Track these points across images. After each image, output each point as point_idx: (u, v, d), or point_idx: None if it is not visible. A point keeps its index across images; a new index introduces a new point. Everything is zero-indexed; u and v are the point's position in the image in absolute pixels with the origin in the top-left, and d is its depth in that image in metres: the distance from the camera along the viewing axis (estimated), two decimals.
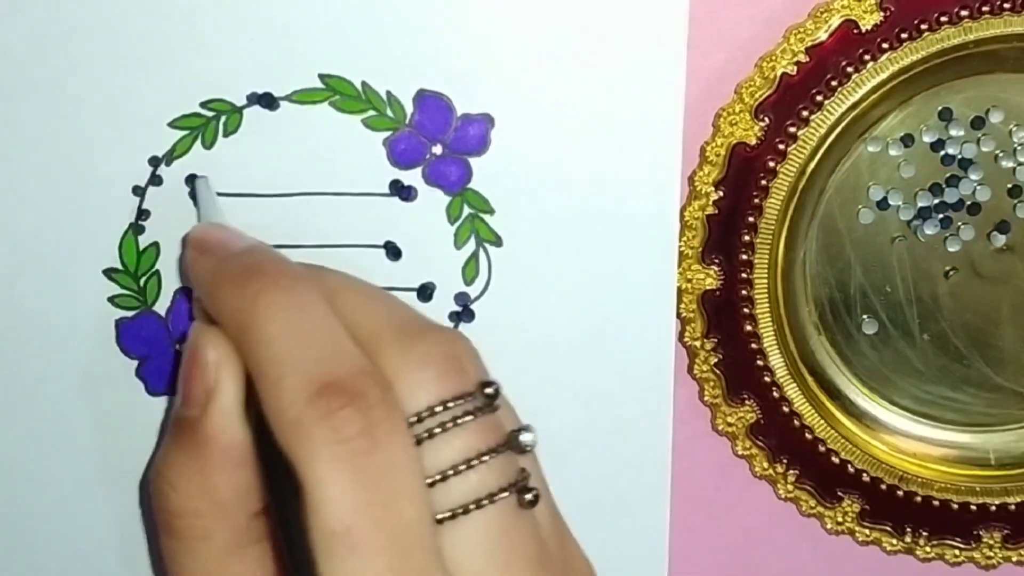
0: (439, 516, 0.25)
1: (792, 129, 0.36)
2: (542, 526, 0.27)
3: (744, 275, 0.37)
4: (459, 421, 0.25)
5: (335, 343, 0.25)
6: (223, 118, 0.33)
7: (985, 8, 0.35)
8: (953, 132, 0.37)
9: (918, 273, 0.39)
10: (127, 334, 0.35)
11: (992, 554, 0.41)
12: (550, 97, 0.34)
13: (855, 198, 0.38)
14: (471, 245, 0.35)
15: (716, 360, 0.38)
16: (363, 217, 0.34)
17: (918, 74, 0.36)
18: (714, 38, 0.36)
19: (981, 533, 0.41)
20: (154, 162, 0.34)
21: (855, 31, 0.35)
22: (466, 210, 0.35)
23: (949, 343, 0.40)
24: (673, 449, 0.37)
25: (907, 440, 0.41)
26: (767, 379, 0.39)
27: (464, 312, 0.36)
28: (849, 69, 0.35)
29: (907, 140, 0.37)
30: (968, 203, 0.38)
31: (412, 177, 0.34)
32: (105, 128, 0.33)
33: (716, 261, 0.37)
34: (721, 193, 0.36)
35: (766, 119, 0.36)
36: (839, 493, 0.40)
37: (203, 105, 0.33)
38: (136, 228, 0.34)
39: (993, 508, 0.40)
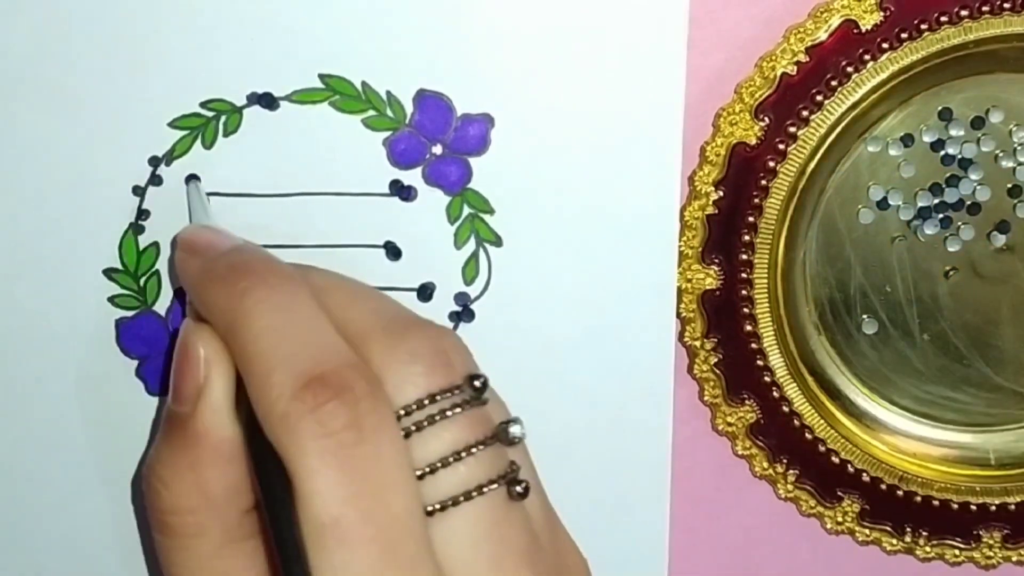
0: (429, 508, 0.25)
1: (792, 129, 0.36)
2: (533, 519, 0.27)
3: (744, 275, 0.37)
4: (448, 414, 0.25)
5: (322, 338, 0.26)
6: (223, 118, 0.33)
7: (985, 8, 0.35)
8: (953, 132, 0.37)
9: (918, 273, 0.39)
10: (127, 334, 0.35)
11: (992, 554, 0.41)
12: (550, 97, 0.34)
13: (855, 198, 0.38)
14: (471, 245, 0.35)
15: (716, 360, 0.38)
16: (363, 217, 0.34)
17: (918, 74, 0.36)
18: (714, 38, 0.36)
19: (981, 533, 0.41)
20: (154, 162, 0.34)
21: (855, 31, 0.35)
22: (466, 210, 0.35)
23: (949, 343, 0.40)
24: (673, 449, 0.37)
25: (907, 440, 0.41)
26: (767, 379, 0.39)
27: (464, 312, 0.36)
28: (849, 69, 0.35)
29: (907, 140, 0.37)
30: (968, 203, 0.38)
31: (412, 177, 0.34)
32: (105, 128, 0.33)
33: (716, 261, 0.37)
34: (721, 193, 0.36)
35: (766, 119, 0.36)
36: (839, 493, 0.40)
37: (203, 105, 0.33)
38: (136, 228, 0.34)
39: (993, 508, 0.40)
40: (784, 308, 0.38)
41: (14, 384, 0.35)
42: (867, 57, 0.35)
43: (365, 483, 0.24)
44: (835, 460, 0.40)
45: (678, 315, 0.38)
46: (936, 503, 0.40)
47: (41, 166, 0.33)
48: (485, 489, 0.25)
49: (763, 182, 0.36)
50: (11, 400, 0.35)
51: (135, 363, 0.35)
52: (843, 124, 0.36)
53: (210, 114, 0.33)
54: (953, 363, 0.40)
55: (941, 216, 0.38)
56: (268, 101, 0.33)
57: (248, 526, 0.27)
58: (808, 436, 0.39)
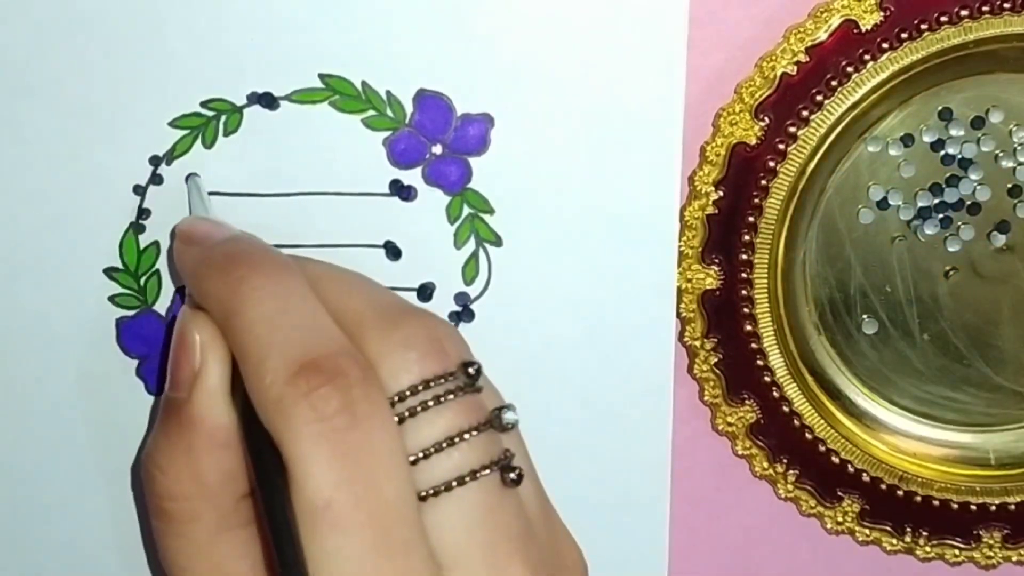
0: (422, 493, 0.25)
1: (792, 129, 0.36)
2: (528, 506, 0.27)
3: (744, 275, 0.37)
4: (441, 400, 0.26)
5: (316, 325, 0.26)
6: (223, 118, 0.33)
7: (985, 8, 0.35)
8: (953, 132, 0.37)
9: (918, 273, 0.39)
10: (127, 333, 0.35)
11: (992, 554, 0.41)
12: (550, 97, 0.34)
13: (855, 198, 0.38)
14: (471, 245, 0.35)
15: (716, 360, 0.38)
16: (363, 217, 0.34)
17: (918, 74, 0.36)
18: (714, 38, 0.36)
19: (981, 533, 0.41)
20: (154, 161, 0.34)
21: (855, 31, 0.35)
22: (466, 210, 0.35)
23: (949, 343, 0.40)
24: (673, 449, 0.37)
25: (907, 440, 0.41)
26: (767, 379, 0.39)
27: (464, 312, 0.36)
28: (849, 69, 0.35)
29: (907, 140, 0.37)
30: (968, 203, 0.38)
31: (412, 177, 0.34)
32: (105, 128, 0.33)
33: (716, 261, 0.37)
34: (721, 193, 0.36)
35: (766, 119, 0.36)
36: (839, 493, 0.40)
37: (203, 105, 0.33)
38: (136, 227, 0.34)
39: (993, 508, 0.40)
40: (784, 308, 0.38)
41: (14, 384, 0.35)
42: (867, 57, 0.35)
43: (358, 468, 0.24)
44: (835, 460, 0.40)
45: (678, 315, 0.38)
46: (936, 503, 0.40)
47: (41, 166, 0.33)
48: (478, 475, 0.25)
49: (763, 182, 0.36)
50: (11, 399, 0.35)
51: (135, 363, 0.35)
52: (843, 124, 0.36)
53: (210, 114, 0.33)
54: (953, 363, 0.40)
55: (941, 216, 0.38)
56: (268, 101, 0.33)
57: (244, 513, 0.28)
58: (808, 436, 0.39)
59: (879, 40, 0.35)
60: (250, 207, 0.34)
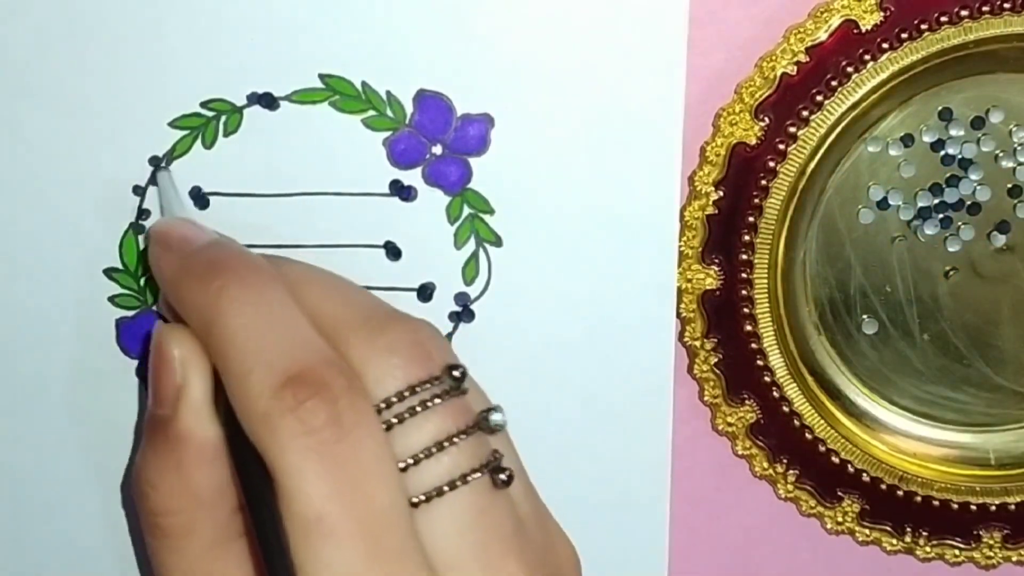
0: (414, 500, 0.25)
1: (792, 129, 0.36)
2: (519, 506, 0.27)
3: (744, 275, 0.37)
4: (428, 405, 0.26)
5: (299, 335, 0.26)
6: (223, 118, 0.33)
7: (985, 8, 0.35)
8: (953, 132, 0.37)
9: (918, 273, 0.39)
10: (127, 333, 0.35)
11: (992, 554, 0.41)
12: (550, 97, 0.34)
13: (855, 198, 0.38)
14: (471, 245, 0.35)
15: (716, 360, 0.38)
16: (363, 217, 0.34)
17: (918, 74, 0.36)
18: (714, 38, 0.36)
19: (981, 533, 0.41)
20: (154, 162, 0.34)
21: (855, 31, 0.35)
22: (466, 210, 0.35)
23: (949, 343, 0.40)
24: (673, 449, 0.37)
25: (907, 440, 0.41)
26: (767, 379, 0.39)
27: (464, 312, 0.36)
28: (849, 69, 0.35)
29: (907, 140, 0.37)
30: (968, 203, 0.38)
31: (412, 177, 0.34)
32: (105, 128, 0.33)
33: (716, 261, 0.37)
34: (721, 193, 0.36)
35: (766, 119, 0.36)
36: (839, 493, 0.40)
37: (203, 105, 0.33)
38: (136, 228, 0.34)
39: (993, 508, 0.40)
40: (784, 308, 0.38)
41: (14, 383, 0.35)
42: (867, 57, 0.35)
43: (348, 478, 0.24)
44: (835, 460, 0.40)
45: (678, 315, 0.38)
46: (936, 503, 0.40)
47: (41, 166, 0.33)
48: (469, 478, 0.26)
49: (763, 182, 0.36)
50: (11, 399, 0.35)
51: (135, 363, 0.35)
52: (843, 124, 0.36)
53: (210, 114, 0.33)
54: (953, 363, 0.40)
55: (941, 216, 0.38)
56: (268, 101, 0.33)
57: (238, 525, 0.27)
58: (808, 436, 0.39)
59: (879, 40, 0.35)
60: (250, 207, 0.34)
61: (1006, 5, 0.35)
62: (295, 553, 0.23)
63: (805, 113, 0.36)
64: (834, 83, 0.35)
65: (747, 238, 0.37)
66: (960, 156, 0.37)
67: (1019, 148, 0.38)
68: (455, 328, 0.36)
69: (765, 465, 0.40)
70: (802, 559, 0.42)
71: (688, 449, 0.39)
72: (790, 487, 0.40)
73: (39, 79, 0.33)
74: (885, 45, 0.35)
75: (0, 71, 0.33)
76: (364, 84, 0.34)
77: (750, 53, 0.36)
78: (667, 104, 0.34)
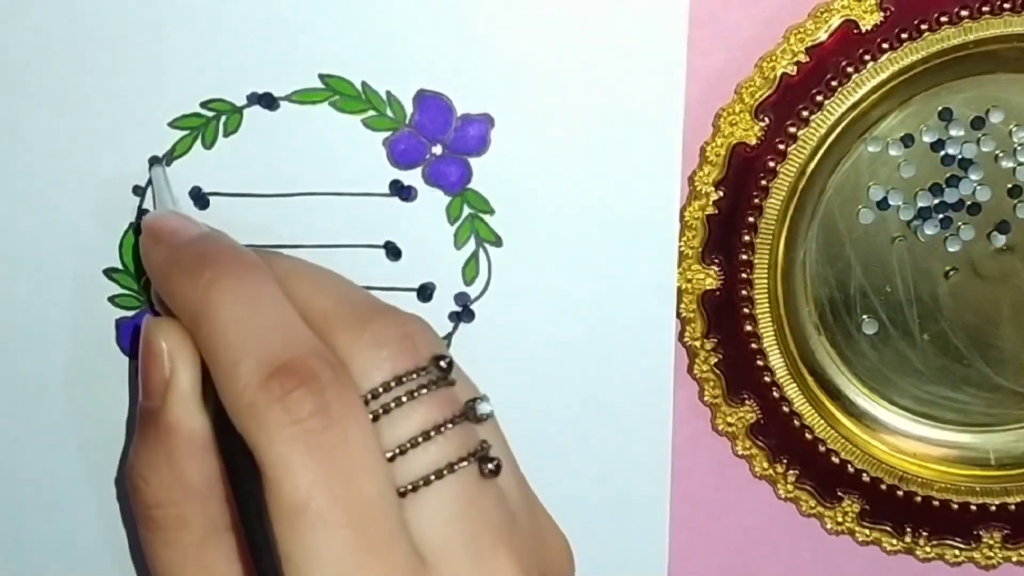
0: (401, 489, 0.25)
1: (792, 129, 0.36)
2: (509, 496, 0.27)
3: (744, 275, 0.37)
4: (415, 395, 0.26)
5: (287, 327, 0.26)
6: (223, 118, 0.33)
7: (985, 8, 0.35)
8: (953, 132, 0.37)
9: (918, 273, 0.39)
10: (127, 334, 0.35)
11: (992, 554, 0.41)
12: (550, 97, 0.34)
13: (855, 198, 0.38)
14: (471, 245, 0.35)
15: (716, 360, 0.38)
16: (363, 217, 0.34)
17: (918, 74, 0.36)
18: (714, 38, 0.36)
19: (981, 533, 0.41)
20: (154, 162, 0.34)
21: (855, 31, 0.35)
22: (466, 210, 0.35)
23: (949, 343, 0.40)
24: (673, 449, 0.37)
25: (907, 440, 0.41)
26: (767, 379, 0.39)
27: (464, 312, 0.36)
28: (849, 69, 0.35)
29: (907, 140, 0.37)
30: (968, 203, 0.38)
31: (412, 177, 0.34)
32: (105, 128, 0.33)
33: (716, 261, 0.37)
34: (721, 193, 0.36)
35: (766, 119, 0.36)
36: (839, 493, 0.40)
37: (203, 105, 0.33)
38: (136, 228, 0.34)
39: (993, 508, 0.40)
40: (784, 308, 0.38)
41: (14, 383, 0.35)
42: (867, 57, 0.35)
43: (334, 467, 0.24)
44: (835, 460, 0.40)
45: (678, 315, 0.38)
46: (936, 503, 0.40)
47: (41, 166, 0.33)
48: (456, 467, 0.26)
49: (763, 182, 0.36)
50: (11, 399, 0.35)
51: (135, 363, 0.35)
52: (843, 124, 0.36)
53: (210, 114, 0.33)
54: (953, 363, 0.40)
55: (941, 216, 0.38)
56: (268, 101, 0.33)
57: (229, 517, 0.28)
58: (808, 436, 0.39)
59: (879, 40, 0.35)
60: (250, 207, 0.34)
61: (1006, 5, 0.35)
62: (281, 542, 0.23)
63: (805, 113, 0.36)
64: (834, 83, 0.35)
65: (747, 238, 0.37)
66: (960, 156, 0.37)
67: (1019, 148, 0.38)
68: (455, 328, 0.36)
69: (765, 465, 0.40)
70: (802, 559, 0.42)
71: (688, 449, 0.39)
72: (790, 487, 0.40)
73: (39, 79, 0.33)
74: (885, 45, 0.35)
75: (0, 71, 0.33)
76: (364, 84, 0.34)
77: (750, 53, 0.36)
78: (667, 104, 0.34)
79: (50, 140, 0.33)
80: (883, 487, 0.40)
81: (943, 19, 0.35)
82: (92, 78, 0.33)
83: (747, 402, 0.39)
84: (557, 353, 0.36)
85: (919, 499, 0.40)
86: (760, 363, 0.38)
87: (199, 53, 0.33)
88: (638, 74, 0.34)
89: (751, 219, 0.37)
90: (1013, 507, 0.40)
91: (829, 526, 0.41)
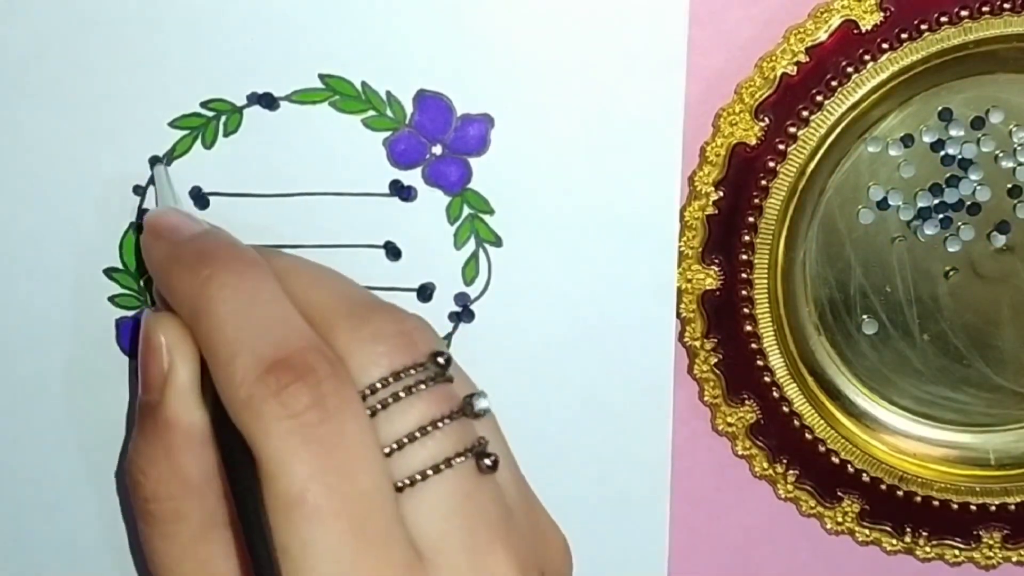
0: (398, 484, 0.25)
1: (792, 129, 0.36)
2: (506, 492, 0.27)
3: (744, 275, 0.37)
4: (412, 391, 0.26)
5: (285, 323, 0.26)
6: (223, 118, 0.33)
7: (985, 8, 0.35)
8: (953, 132, 0.37)
9: (918, 273, 0.39)
10: (127, 333, 0.35)
11: (992, 554, 0.41)
12: (550, 97, 0.34)
13: (855, 198, 0.38)
14: (471, 245, 0.35)
15: (716, 360, 0.38)
16: (363, 217, 0.34)
17: (918, 74, 0.36)
18: (714, 38, 0.36)
19: (981, 533, 0.41)
20: (154, 162, 0.34)
21: (855, 31, 0.35)
22: (466, 210, 0.35)
23: (949, 343, 0.40)
24: (673, 449, 0.37)
25: (907, 440, 0.41)
26: (767, 379, 0.39)
27: (464, 312, 0.36)
28: (849, 69, 0.35)
29: (907, 140, 0.37)
30: (968, 203, 0.38)
31: (412, 177, 0.34)
32: (105, 128, 0.33)
33: (716, 261, 0.37)
34: (721, 193, 0.36)
35: (766, 119, 0.36)
36: (839, 493, 0.40)
37: (203, 105, 0.33)
38: (136, 228, 0.34)
39: (993, 508, 0.40)
40: (784, 308, 0.38)
41: (14, 383, 0.35)
42: (867, 57, 0.35)
43: (331, 460, 0.24)
44: (835, 460, 0.40)
45: (678, 315, 0.38)
46: (936, 503, 0.40)
47: (41, 166, 0.33)
48: (453, 462, 0.26)
49: (763, 182, 0.36)
50: (11, 399, 0.35)
51: (135, 363, 0.35)
52: (843, 124, 0.36)
53: (210, 114, 0.33)
54: (953, 363, 0.40)
55: (941, 216, 0.38)
56: (268, 101, 0.33)
57: (226, 512, 0.28)
58: (808, 436, 0.39)
59: (879, 40, 0.35)
60: (250, 207, 0.34)
61: (1006, 5, 0.35)
62: (277, 534, 0.24)
63: (805, 113, 0.36)
64: (834, 83, 0.35)
65: (747, 238, 0.37)
66: (960, 156, 0.37)
67: (1019, 148, 0.38)
68: (455, 328, 0.36)
69: (765, 465, 0.40)
70: (802, 559, 0.42)
71: (688, 449, 0.39)
72: (790, 487, 0.40)
73: (39, 79, 0.33)
74: (885, 45, 0.35)
75: (0, 71, 0.33)
76: (364, 84, 0.34)
77: (750, 53, 0.36)
78: (667, 104, 0.34)
79: (50, 140, 0.33)
80: (883, 487, 0.40)
81: (943, 19, 0.35)
82: (92, 78, 0.33)
83: (747, 402, 0.39)
84: (557, 353, 0.36)
85: (919, 499, 0.40)
86: (760, 363, 0.38)
87: (199, 53, 0.33)
88: (638, 74, 0.34)
89: (751, 219, 0.37)
90: (1013, 507, 0.40)
91: (829, 526, 0.41)
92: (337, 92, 0.33)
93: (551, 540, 0.29)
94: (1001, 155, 0.38)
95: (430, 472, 0.25)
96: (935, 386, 0.40)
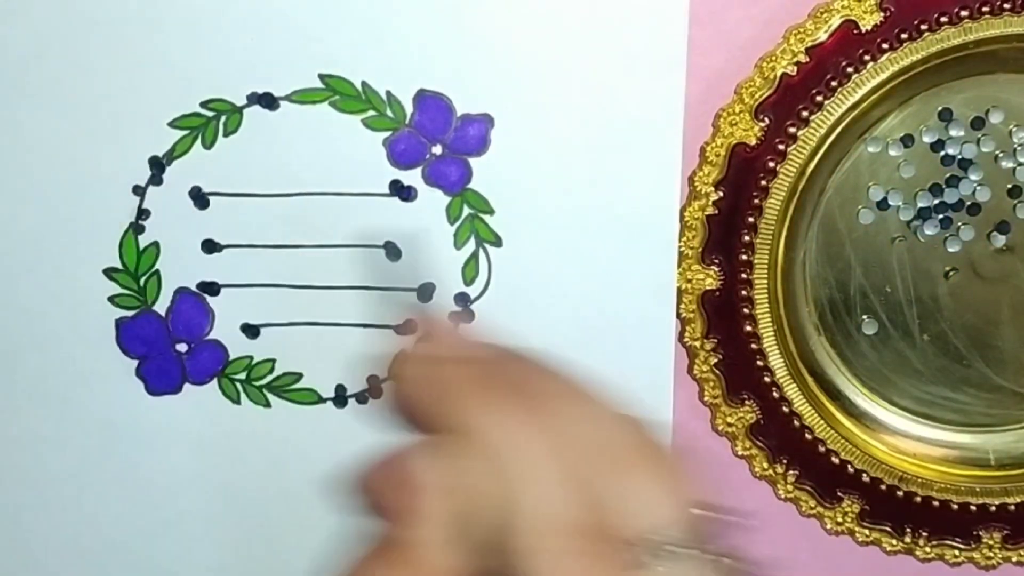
0: None
1: (792, 129, 0.36)
2: None
3: (744, 275, 0.37)
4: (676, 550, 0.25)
5: (578, 485, 0.25)
6: (223, 118, 0.33)
7: (985, 8, 0.35)
8: (953, 132, 0.37)
9: (918, 273, 0.39)
10: (127, 334, 0.35)
11: (992, 554, 0.41)
12: (550, 97, 0.34)
13: (855, 198, 0.38)
14: (471, 245, 0.35)
15: (716, 360, 0.38)
16: (363, 217, 0.34)
17: (918, 74, 0.36)
18: (714, 38, 0.36)
19: (981, 533, 0.41)
20: (154, 162, 0.34)
21: (855, 31, 0.35)
22: (466, 210, 0.35)
23: (949, 343, 0.40)
24: (673, 449, 0.37)
25: (907, 440, 0.41)
26: (767, 379, 0.39)
27: (464, 312, 0.36)
28: (849, 69, 0.35)
29: (907, 140, 0.37)
30: (968, 203, 0.38)
31: (412, 177, 0.34)
32: (105, 128, 0.33)
33: (716, 261, 0.37)
34: (721, 193, 0.36)
35: (766, 119, 0.36)
36: (839, 493, 0.40)
37: (203, 105, 0.33)
38: (136, 228, 0.34)
39: (993, 508, 0.40)
40: (784, 308, 0.38)
41: (14, 383, 0.35)
42: (867, 57, 0.35)
43: None
44: (835, 460, 0.40)
45: (678, 315, 0.38)
46: (936, 503, 0.40)
47: (41, 166, 0.33)
48: None
49: (763, 182, 0.36)
50: (11, 399, 0.35)
51: (135, 363, 0.35)
52: (843, 124, 0.36)
53: (210, 114, 0.33)
54: (953, 363, 0.40)
55: (941, 216, 0.38)
56: (268, 101, 0.33)
57: None
58: (808, 436, 0.39)
59: (879, 40, 0.35)
60: (250, 208, 0.34)
61: (1006, 5, 0.35)
62: None
63: (805, 113, 0.36)
64: (834, 83, 0.35)
65: (747, 238, 0.37)
66: (960, 156, 0.37)
67: (1019, 148, 0.38)
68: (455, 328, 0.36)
69: (765, 465, 0.40)
70: (802, 559, 0.42)
71: (688, 449, 0.39)
72: (790, 487, 0.40)
73: (40, 79, 0.33)
74: (885, 45, 0.35)
75: (0, 71, 0.33)
76: (364, 84, 0.34)
77: (750, 53, 0.36)
78: (667, 104, 0.34)
79: (50, 140, 0.33)
80: (883, 487, 0.40)
81: (943, 19, 0.35)
82: (92, 78, 0.33)
83: (747, 402, 0.39)
84: (557, 353, 0.36)
85: (919, 499, 0.40)
86: (760, 363, 0.38)
87: (199, 53, 0.33)
88: (638, 74, 0.34)
89: (751, 219, 0.37)
90: (1013, 507, 0.40)
91: (829, 526, 0.41)
92: (337, 92, 0.33)
93: None
94: (1001, 155, 0.38)
95: None
96: (935, 386, 0.40)
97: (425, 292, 0.35)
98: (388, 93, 0.34)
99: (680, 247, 0.37)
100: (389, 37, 0.33)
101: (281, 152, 0.34)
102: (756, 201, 0.36)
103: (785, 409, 0.39)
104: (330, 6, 0.33)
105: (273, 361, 0.36)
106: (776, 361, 0.38)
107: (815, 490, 0.40)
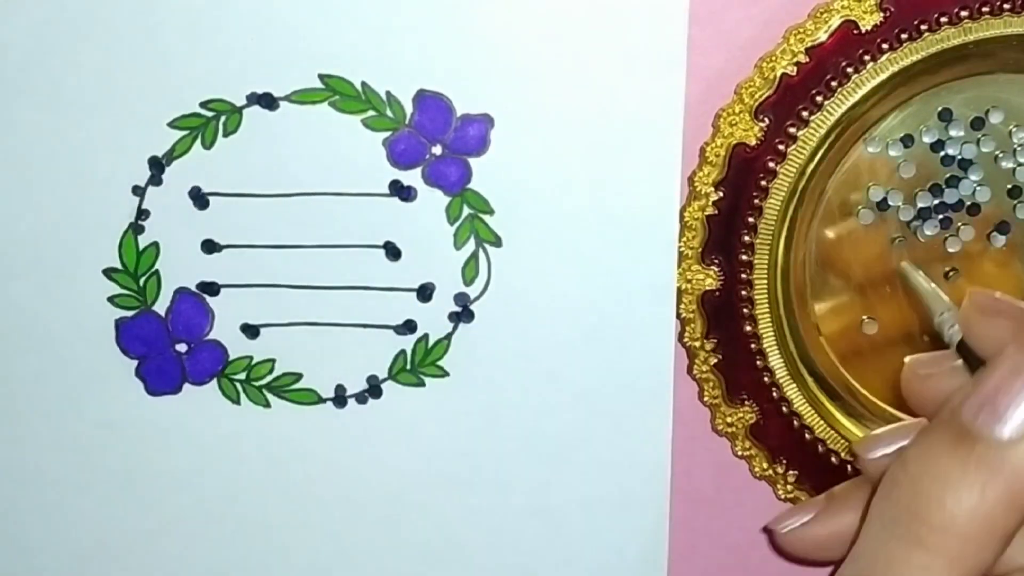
0: None
1: (792, 130, 0.36)
2: None
3: (744, 275, 0.37)
4: None
5: None
6: (223, 118, 0.33)
7: (985, 8, 0.35)
8: (953, 133, 0.37)
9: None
10: (127, 334, 0.35)
11: None
12: (550, 97, 0.34)
13: (855, 199, 0.38)
14: (471, 245, 0.35)
15: (716, 361, 0.38)
16: (363, 217, 0.34)
17: (918, 74, 0.36)
18: (714, 38, 0.36)
19: None
20: (154, 162, 0.34)
21: (855, 31, 0.35)
22: (466, 210, 0.35)
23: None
24: (673, 449, 0.37)
25: None
26: (767, 380, 0.39)
27: (464, 312, 0.36)
28: (849, 70, 0.35)
29: (907, 141, 0.37)
30: (968, 203, 0.38)
31: (412, 177, 0.34)
32: (105, 128, 0.33)
33: (716, 261, 0.37)
34: (721, 193, 0.36)
35: (766, 119, 0.36)
36: None
37: (203, 105, 0.33)
38: (136, 228, 0.34)
39: None
40: (784, 308, 0.38)
41: (14, 384, 0.35)
42: (867, 58, 0.35)
43: None
44: (835, 460, 0.40)
45: (678, 316, 0.38)
46: None
47: (41, 166, 0.33)
48: None
49: (763, 183, 0.36)
50: (11, 399, 0.35)
51: (135, 363, 0.35)
52: (843, 125, 0.36)
53: (210, 114, 0.33)
54: None
55: (941, 217, 0.38)
56: (268, 101, 0.33)
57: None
58: (808, 437, 0.39)
59: (879, 41, 0.35)
60: (250, 207, 0.34)
61: (1006, 5, 0.35)
62: None
63: (805, 114, 0.36)
64: (834, 83, 0.35)
65: (747, 238, 0.37)
66: (960, 157, 0.37)
67: (1019, 148, 0.38)
68: (455, 328, 0.36)
69: (765, 466, 0.40)
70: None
71: (688, 449, 0.39)
72: (790, 487, 0.40)
73: (39, 79, 0.33)
74: (885, 45, 0.35)
75: (0, 71, 0.33)
76: (364, 84, 0.34)
77: (750, 53, 0.36)
78: (667, 104, 0.34)
79: (50, 140, 0.33)
80: None
81: (943, 19, 0.35)
82: (92, 78, 0.33)
83: (747, 403, 0.39)
84: (557, 353, 0.36)
85: None
86: (760, 364, 0.38)
87: (199, 53, 0.33)
88: (638, 74, 0.34)
89: (751, 219, 0.37)
90: None
91: None
92: (337, 92, 0.33)
93: None
94: (1001, 155, 0.38)
95: None
96: None
97: (425, 292, 0.35)
98: (388, 93, 0.34)
99: (680, 247, 0.37)
100: (389, 37, 0.33)
101: (281, 152, 0.34)
102: (756, 201, 0.37)
103: (785, 410, 0.39)
104: (330, 6, 0.33)
105: (273, 361, 0.36)
106: (776, 361, 0.38)
107: (815, 490, 0.40)
